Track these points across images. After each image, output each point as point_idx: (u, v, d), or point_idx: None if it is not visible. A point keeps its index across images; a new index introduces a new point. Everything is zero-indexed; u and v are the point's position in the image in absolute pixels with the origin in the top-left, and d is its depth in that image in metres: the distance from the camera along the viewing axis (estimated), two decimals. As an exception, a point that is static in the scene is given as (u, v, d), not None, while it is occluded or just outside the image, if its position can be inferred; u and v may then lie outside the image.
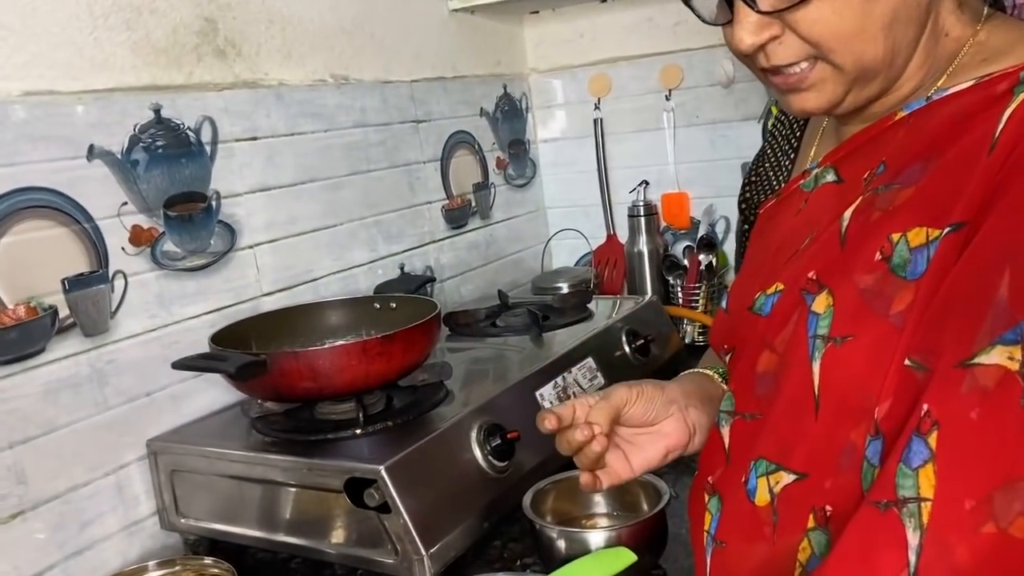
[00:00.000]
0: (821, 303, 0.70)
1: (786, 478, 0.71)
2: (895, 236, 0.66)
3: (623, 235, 1.94)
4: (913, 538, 0.55)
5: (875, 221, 0.68)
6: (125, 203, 1.12)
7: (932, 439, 0.57)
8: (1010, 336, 0.55)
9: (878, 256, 0.66)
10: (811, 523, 0.68)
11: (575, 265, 2.04)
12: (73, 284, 1.05)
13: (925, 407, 0.58)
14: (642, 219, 1.87)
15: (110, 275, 1.10)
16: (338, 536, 0.99)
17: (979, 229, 0.60)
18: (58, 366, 1.04)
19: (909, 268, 0.64)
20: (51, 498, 1.02)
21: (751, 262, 0.91)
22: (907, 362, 0.62)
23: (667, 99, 1.86)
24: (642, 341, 1.44)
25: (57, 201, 1.04)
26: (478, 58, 1.86)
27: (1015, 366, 0.55)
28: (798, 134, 0.94)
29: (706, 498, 0.82)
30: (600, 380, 1.33)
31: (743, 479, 0.75)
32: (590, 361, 1.34)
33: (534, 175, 2.03)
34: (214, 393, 1.21)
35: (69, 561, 1.04)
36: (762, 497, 0.72)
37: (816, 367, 0.68)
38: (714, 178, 1.85)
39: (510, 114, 1.95)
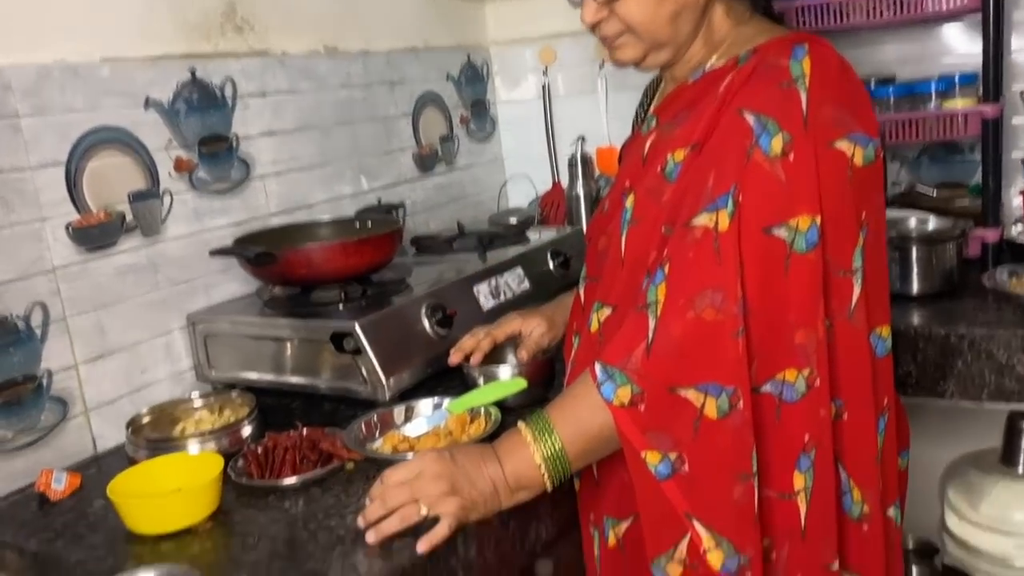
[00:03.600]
0: (629, 200, 1.11)
1: (607, 311, 1.12)
2: (668, 155, 1.07)
3: (565, 181, 2.35)
4: (651, 323, 0.97)
5: (660, 148, 1.09)
6: (171, 140, 1.53)
7: (667, 268, 0.98)
8: (711, 208, 0.97)
9: (658, 168, 1.07)
10: (620, 338, 1.09)
11: (527, 206, 2.45)
12: (136, 197, 1.46)
13: (666, 252, 0.99)
14: (579, 167, 2.28)
15: (161, 192, 1.51)
16: (326, 374, 1.41)
17: (703, 148, 1.01)
18: (125, 256, 1.45)
19: (673, 174, 1.05)
20: (122, 348, 1.44)
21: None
22: (663, 229, 1.03)
23: (600, 68, 2.26)
24: (563, 258, 1.86)
25: (125, 137, 1.45)
26: (446, 32, 2.25)
27: (712, 225, 0.96)
28: (650, 98, 1.34)
29: (573, 338, 1.24)
30: (526, 284, 1.74)
31: (588, 319, 1.17)
32: (519, 270, 1.75)
33: (493, 130, 2.44)
34: (235, 285, 1.63)
35: (134, 394, 1.46)
36: (594, 326, 1.14)
37: (624, 239, 1.10)
38: (638, 134, 2.25)
39: (472, 78, 2.35)
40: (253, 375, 1.49)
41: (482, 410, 1.28)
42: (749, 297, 0.95)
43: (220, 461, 1.14)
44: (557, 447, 1.00)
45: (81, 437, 1.37)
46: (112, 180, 1.43)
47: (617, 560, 1.12)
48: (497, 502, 1.02)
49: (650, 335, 0.97)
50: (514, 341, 1.40)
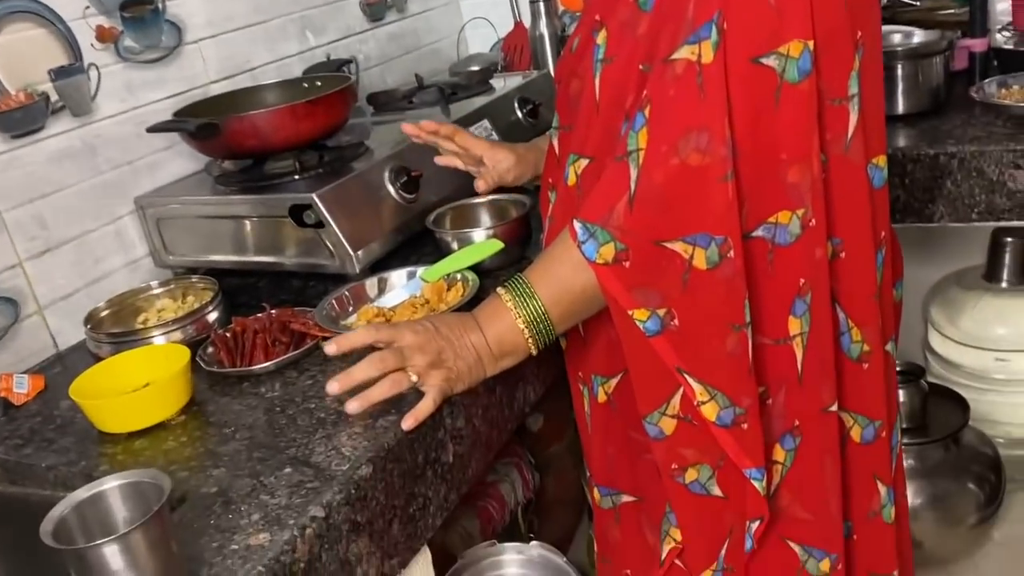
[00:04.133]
0: (600, 37, 1.00)
1: (584, 163, 1.04)
2: (642, -17, 0.95)
3: (528, 20, 2.19)
4: (633, 173, 0.89)
5: (632, -26, 0.98)
6: (88, 7, 1.37)
7: (647, 111, 0.89)
8: (692, 39, 0.87)
9: (632, -1, 0.96)
10: (598, 188, 1.02)
11: (488, 51, 2.30)
12: (58, 74, 1.33)
13: (645, 92, 0.90)
14: (541, 4, 2.12)
15: (86, 67, 1.37)
16: (291, 251, 1.34)
17: None
18: (56, 140, 1.33)
19: (648, 3, 0.94)
20: (68, 240, 1.35)
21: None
22: (641, 67, 0.93)
23: None
24: (531, 106, 1.75)
25: (33, 7, 1.30)
26: None
27: (694, 58, 0.87)
28: None
29: (549, 193, 1.16)
30: (495, 137, 1.64)
31: (564, 172, 1.08)
32: (485, 122, 1.65)
33: (444, -31, 2.25)
34: (182, 162, 1.52)
35: (90, 286, 1.38)
36: (571, 179, 1.06)
37: (597, 81, 1.00)
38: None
39: (417, -88, 2.14)
40: (214, 257, 1.41)
41: (459, 276, 1.22)
42: (738, 136, 0.87)
43: (187, 352, 1.08)
44: (540, 310, 0.95)
45: (39, 337, 1.30)
46: (28, 57, 1.29)
47: (608, 414, 1.10)
48: (481, 371, 0.98)
49: (632, 187, 0.89)
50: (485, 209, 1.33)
